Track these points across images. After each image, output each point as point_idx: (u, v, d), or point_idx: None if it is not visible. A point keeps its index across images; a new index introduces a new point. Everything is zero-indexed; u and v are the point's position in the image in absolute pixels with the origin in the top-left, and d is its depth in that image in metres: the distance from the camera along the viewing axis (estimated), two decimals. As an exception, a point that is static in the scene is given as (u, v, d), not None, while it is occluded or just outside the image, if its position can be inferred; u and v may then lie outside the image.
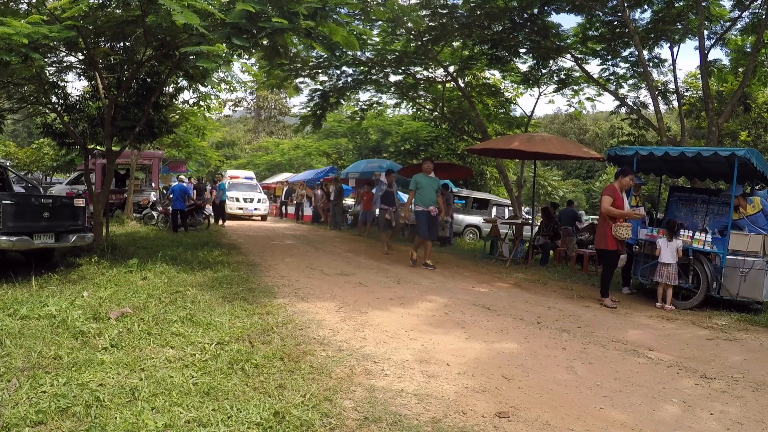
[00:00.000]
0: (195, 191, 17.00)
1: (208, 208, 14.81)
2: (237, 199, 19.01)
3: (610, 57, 13.80)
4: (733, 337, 5.21)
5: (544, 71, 15.09)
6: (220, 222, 15.88)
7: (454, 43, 14.46)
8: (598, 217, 7.00)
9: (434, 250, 11.96)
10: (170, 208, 12.92)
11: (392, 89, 17.03)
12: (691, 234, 6.67)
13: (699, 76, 13.03)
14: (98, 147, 10.14)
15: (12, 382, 2.99)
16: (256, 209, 19.52)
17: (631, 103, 14.38)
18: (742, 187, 6.97)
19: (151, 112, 8.72)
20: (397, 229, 10.97)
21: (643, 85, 14.02)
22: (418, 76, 16.32)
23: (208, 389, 3.01)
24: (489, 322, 5.12)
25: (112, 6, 6.83)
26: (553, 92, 16.21)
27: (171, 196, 12.95)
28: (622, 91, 14.96)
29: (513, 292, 7.00)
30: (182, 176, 15.98)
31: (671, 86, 14.17)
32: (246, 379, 3.22)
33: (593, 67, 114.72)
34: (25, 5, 7.78)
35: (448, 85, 16.21)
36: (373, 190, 16.97)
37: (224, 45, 6.46)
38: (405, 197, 20.77)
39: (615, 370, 3.90)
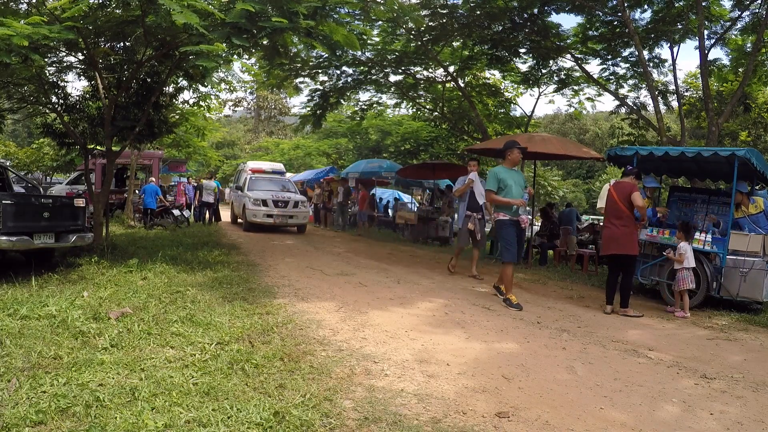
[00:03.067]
0: (196, 192, 17.10)
1: (177, 210, 14.50)
2: (264, 203, 13.20)
3: (610, 57, 13.81)
4: (733, 337, 5.21)
5: (544, 71, 15.10)
6: (213, 220, 16.32)
7: (454, 43, 14.47)
8: (602, 217, 6.55)
9: (434, 250, 11.99)
10: (141, 207, 13.73)
11: (392, 89, 17.05)
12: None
13: (699, 76, 13.03)
14: (98, 147, 10.14)
15: (12, 382, 2.99)
16: (292, 217, 13.38)
17: (631, 103, 14.40)
18: (746, 184, 6.91)
19: (151, 112, 8.72)
20: (482, 243, 7.99)
21: (643, 85, 14.03)
22: (418, 76, 16.34)
23: (208, 389, 3.01)
24: (489, 322, 5.12)
25: (112, 6, 6.82)
26: (553, 92, 16.23)
27: (143, 195, 13.75)
28: (622, 91, 14.98)
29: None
30: (152, 178, 15.36)
31: (671, 86, 14.18)
32: (246, 379, 3.21)
33: (593, 67, 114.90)
34: (25, 5, 7.78)
35: (448, 85, 16.22)
36: (374, 191, 16.97)
37: (224, 45, 6.45)
38: (405, 197, 20.95)
39: (615, 370, 3.90)
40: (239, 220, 15.11)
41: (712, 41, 12.37)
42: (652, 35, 12.64)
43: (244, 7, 5.96)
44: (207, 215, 16.40)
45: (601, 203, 6.36)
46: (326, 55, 13.28)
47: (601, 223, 11.92)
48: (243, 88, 44.10)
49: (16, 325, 4.03)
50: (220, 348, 3.75)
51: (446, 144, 21.54)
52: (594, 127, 49.10)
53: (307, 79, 15.94)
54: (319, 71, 15.35)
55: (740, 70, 12.99)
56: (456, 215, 8.39)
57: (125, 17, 6.80)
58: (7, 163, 17.40)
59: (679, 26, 12.12)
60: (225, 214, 18.05)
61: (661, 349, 4.59)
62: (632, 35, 11.17)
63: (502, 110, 17.44)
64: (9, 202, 5.85)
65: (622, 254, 5.97)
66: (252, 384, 3.15)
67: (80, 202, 6.74)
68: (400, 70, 15.70)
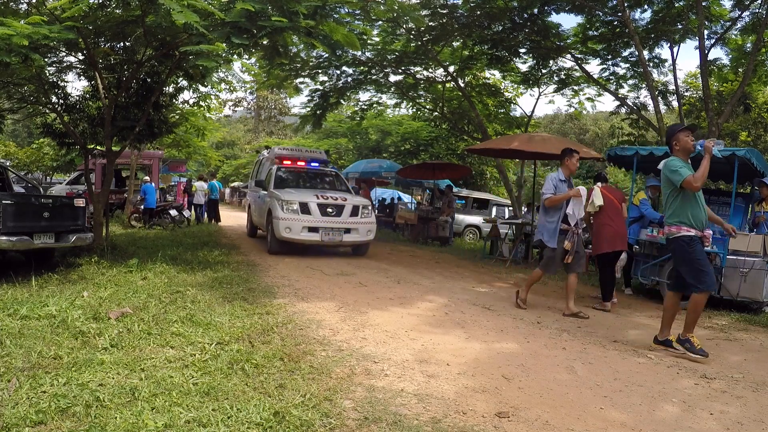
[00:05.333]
0: (185, 193, 17.13)
1: (174, 210, 14.46)
2: (303, 208, 8.64)
3: (610, 57, 13.81)
4: (733, 337, 5.22)
5: (544, 71, 15.11)
6: (213, 221, 16.28)
7: (454, 43, 14.48)
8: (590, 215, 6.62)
9: (434, 250, 11.99)
10: (142, 207, 13.75)
11: (392, 89, 17.05)
12: (691, 234, 6.65)
13: (699, 76, 13.04)
14: (98, 147, 10.14)
15: (12, 382, 2.99)
16: (349, 231, 8.83)
17: (631, 103, 14.40)
18: None
19: (151, 112, 8.72)
20: (581, 265, 6.04)
21: (643, 85, 14.04)
22: (418, 76, 16.34)
23: (208, 389, 3.01)
24: (489, 322, 5.12)
25: (112, 6, 6.83)
26: (553, 92, 16.24)
27: (144, 196, 13.75)
28: (622, 91, 14.98)
29: (513, 292, 6.98)
30: (146, 177, 15.20)
31: (671, 86, 14.18)
32: (246, 379, 3.21)
33: (593, 67, 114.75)
34: (25, 5, 7.78)
35: (448, 85, 16.23)
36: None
37: (224, 44, 6.45)
38: (405, 197, 20.95)
39: (615, 370, 3.90)
40: (260, 232, 10.95)
41: (712, 41, 12.38)
42: (652, 35, 12.65)
43: (244, 7, 5.96)
44: (205, 216, 16.46)
45: (599, 201, 6.31)
46: (326, 55, 13.28)
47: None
48: (243, 88, 44.16)
49: (16, 325, 4.03)
50: (220, 348, 3.75)
51: (446, 144, 21.56)
52: (594, 127, 49.05)
53: (307, 79, 15.94)
54: (319, 71, 15.35)
55: (740, 70, 13.00)
56: (538, 228, 6.06)
57: (125, 17, 6.80)
58: (7, 163, 17.41)
59: (679, 26, 12.12)
60: (225, 215, 17.97)
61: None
62: (632, 35, 11.17)
63: (502, 110, 17.45)
64: (9, 202, 5.85)
65: (621, 250, 6.34)
66: (252, 384, 3.15)
67: (80, 202, 6.74)
68: (400, 70, 15.70)
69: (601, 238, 6.29)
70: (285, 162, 10.86)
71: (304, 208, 8.64)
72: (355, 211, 8.94)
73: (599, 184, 6.53)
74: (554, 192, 5.71)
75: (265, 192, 9.98)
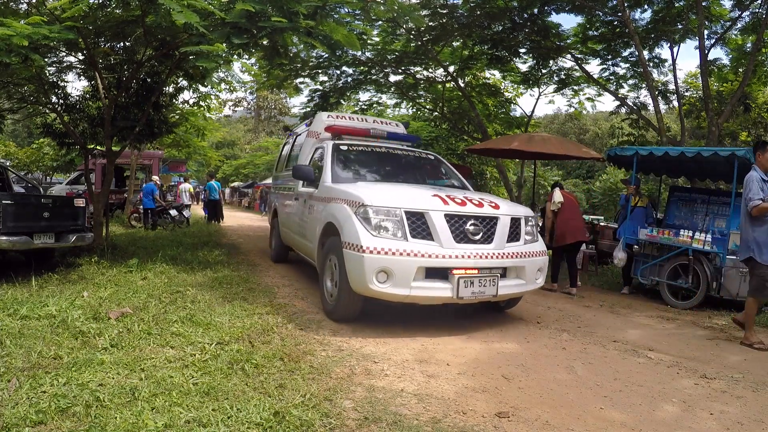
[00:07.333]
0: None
1: (174, 211, 14.48)
2: (416, 225, 4.23)
3: (610, 57, 13.80)
4: (733, 337, 5.21)
5: (544, 71, 15.09)
6: (214, 221, 16.31)
7: (454, 43, 14.47)
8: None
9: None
10: (141, 207, 13.78)
11: (392, 89, 17.04)
12: (691, 234, 6.67)
13: (699, 76, 13.03)
14: (98, 147, 10.14)
15: (12, 382, 2.99)
16: (506, 272, 4.53)
17: (631, 103, 14.39)
18: None
19: (151, 112, 8.72)
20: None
21: (643, 85, 14.02)
22: (418, 76, 16.33)
23: (208, 389, 3.01)
24: (489, 322, 5.11)
25: (112, 6, 6.83)
26: (553, 92, 16.21)
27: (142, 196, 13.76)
28: (622, 91, 14.96)
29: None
30: (155, 177, 15.27)
31: (671, 86, 14.18)
32: (246, 379, 3.21)
33: (593, 67, 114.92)
34: (25, 5, 7.78)
35: (448, 85, 16.22)
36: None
37: (224, 44, 6.45)
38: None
39: (615, 370, 3.90)
40: (296, 253, 7.24)
41: (712, 41, 12.37)
42: (652, 35, 12.64)
43: (244, 7, 5.95)
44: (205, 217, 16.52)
45: (559, 198, 7.23)
46: (326, 55, 13.27)
47: (601, 223, 11.92)
48: (243, 88, 44.15)
49: (16, 325, 4.03)
50: (220, 348, 3.75)
51: (446, 144, 21.52)
52: (594, 127, 49.08)
53: (307, 80, 15.93)
54: (319, 71, 15.34)
55: (740, 70, 12.98)
56: (743, 243, 4.97)
57: (125, 17, 6.80)
58: (7, 163, 17.42)
59: (679, 26, 12.11)
60: (224, 215, 17.93)
61: (661, 349, 4.60)
62: (632, 35, 11.17)
63: (502, 110, 17.43)
64: (9, 202, 5.85)
65: (583, 241, 7.41)
66: (252, 384, 3.15)
67: (80, 202, 6.74)
68: (400, 70, 15.69)
69: (566, 231, 7.13)
70: (342, 134, 6.29)
71: (418, 224, 4.32)
72: (515, 230, 4.73)
73: (557, 188, 7.50)
74: (763, 197, 4.67)
75: (312, 189, 5.74)
